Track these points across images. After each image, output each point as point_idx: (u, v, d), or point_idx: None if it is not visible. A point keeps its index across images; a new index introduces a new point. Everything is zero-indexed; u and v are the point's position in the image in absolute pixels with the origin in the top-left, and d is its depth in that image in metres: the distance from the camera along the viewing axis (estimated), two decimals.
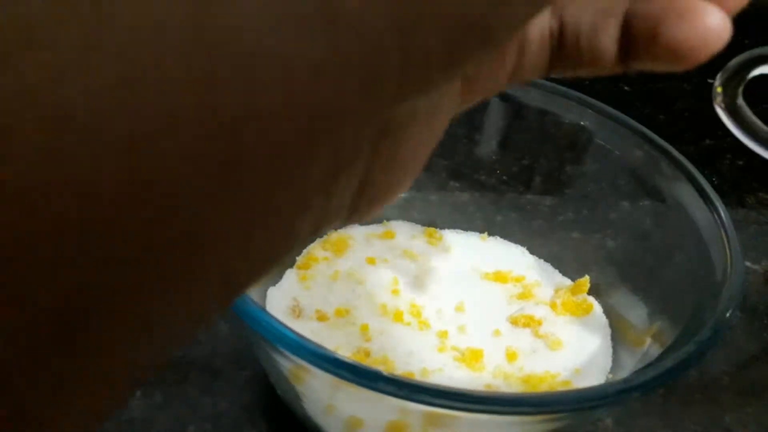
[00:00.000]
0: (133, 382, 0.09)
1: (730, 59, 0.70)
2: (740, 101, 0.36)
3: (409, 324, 0.36)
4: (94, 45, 0.07)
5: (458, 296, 0.38)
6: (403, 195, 0.43)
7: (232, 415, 0.33)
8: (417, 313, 0.37)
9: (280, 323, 0.23)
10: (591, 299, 0.38)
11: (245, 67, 0.07)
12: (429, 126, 0.15)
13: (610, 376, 0.34)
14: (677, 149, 0.35)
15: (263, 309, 0.24)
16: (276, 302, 0.36)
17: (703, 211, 0.32)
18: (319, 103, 0.08)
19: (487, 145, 0.41)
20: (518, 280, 0.40)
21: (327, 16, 0.08)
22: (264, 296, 0.36)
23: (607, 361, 0.35)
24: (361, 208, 0.14)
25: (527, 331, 0.36)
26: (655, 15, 0.16)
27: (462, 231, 0.43)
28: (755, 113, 0.49)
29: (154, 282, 0.08)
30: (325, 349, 0.23)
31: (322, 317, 0.35)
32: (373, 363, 0.33)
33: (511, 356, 0.35)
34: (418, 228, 0.43)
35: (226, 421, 0.33)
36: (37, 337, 0.07)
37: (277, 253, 0.10)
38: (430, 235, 0.42)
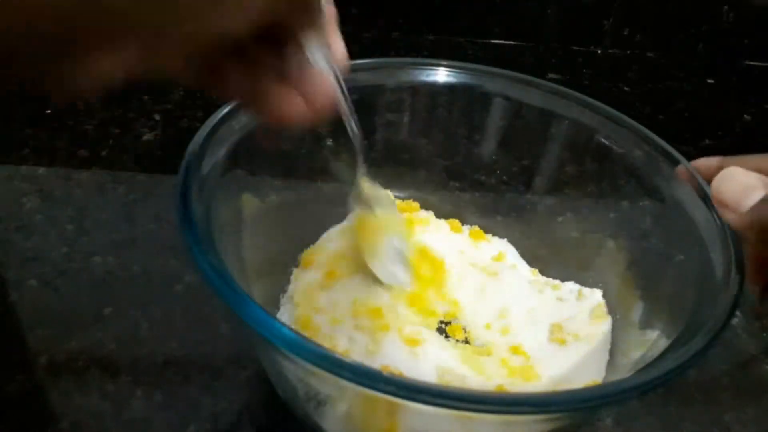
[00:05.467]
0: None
1: (732, 60, 0.71)
2: None
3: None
4: None
5: (459, 296, 0.38)
6: (402, 195, 0.43)
7: (232, 414, 0.33)
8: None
9: (281, 323, 0.23)
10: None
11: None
12: None
13: (610, 376, 0.34)
14: (677, 149, 0.35)
15: (264, 309, 0.24)
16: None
17: (702, 211, 0.32)
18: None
19: (487, 145, 0.42)
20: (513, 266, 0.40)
21: None
22: (265, 296, 0.36)
23: (607, 361, 0.35)
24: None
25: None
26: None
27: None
28: (755, 113, 0.48)
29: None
30: (325, 349, 0.23)
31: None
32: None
33: (514, 350, 0.35)
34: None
35: (226, 421, 0.33)
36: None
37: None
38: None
